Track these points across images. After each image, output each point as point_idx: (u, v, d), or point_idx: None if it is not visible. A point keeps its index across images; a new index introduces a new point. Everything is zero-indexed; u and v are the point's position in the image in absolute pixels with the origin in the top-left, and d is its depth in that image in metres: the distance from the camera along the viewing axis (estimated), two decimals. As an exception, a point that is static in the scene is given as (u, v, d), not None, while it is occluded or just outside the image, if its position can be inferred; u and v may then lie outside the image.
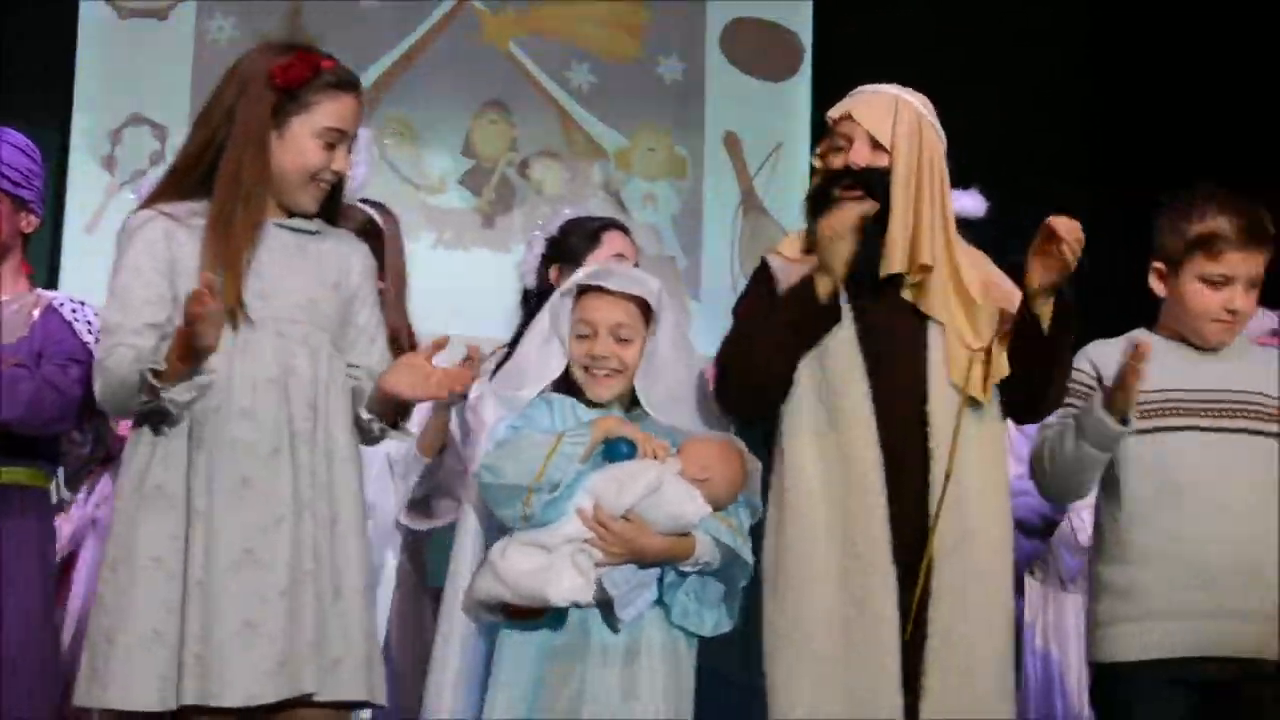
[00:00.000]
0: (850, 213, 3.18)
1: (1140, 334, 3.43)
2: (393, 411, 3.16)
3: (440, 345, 3.15)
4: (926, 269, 3.26)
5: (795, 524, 3.22)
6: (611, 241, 4.02)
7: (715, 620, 3.25)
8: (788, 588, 3.21)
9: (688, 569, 3.22)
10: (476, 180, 6.26)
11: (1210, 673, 3.23)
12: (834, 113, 3.33)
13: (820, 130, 3.44)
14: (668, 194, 6.48)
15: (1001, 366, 3.21)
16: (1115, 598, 3.31)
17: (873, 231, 3.24)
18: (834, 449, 3.22)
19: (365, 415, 3.13)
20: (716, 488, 3.23)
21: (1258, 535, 3.27)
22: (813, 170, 3.42)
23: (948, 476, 3.18)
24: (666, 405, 3.34)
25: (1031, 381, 3.24)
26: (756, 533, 3.29)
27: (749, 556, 3.25)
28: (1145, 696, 3.23)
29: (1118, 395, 3.22)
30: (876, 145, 3.26)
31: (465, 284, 5.88)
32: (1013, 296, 3.24)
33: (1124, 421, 3.23)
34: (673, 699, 3.19)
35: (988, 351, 3.22)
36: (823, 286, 3.19)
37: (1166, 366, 3.31)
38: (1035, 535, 3.99)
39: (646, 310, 3.34)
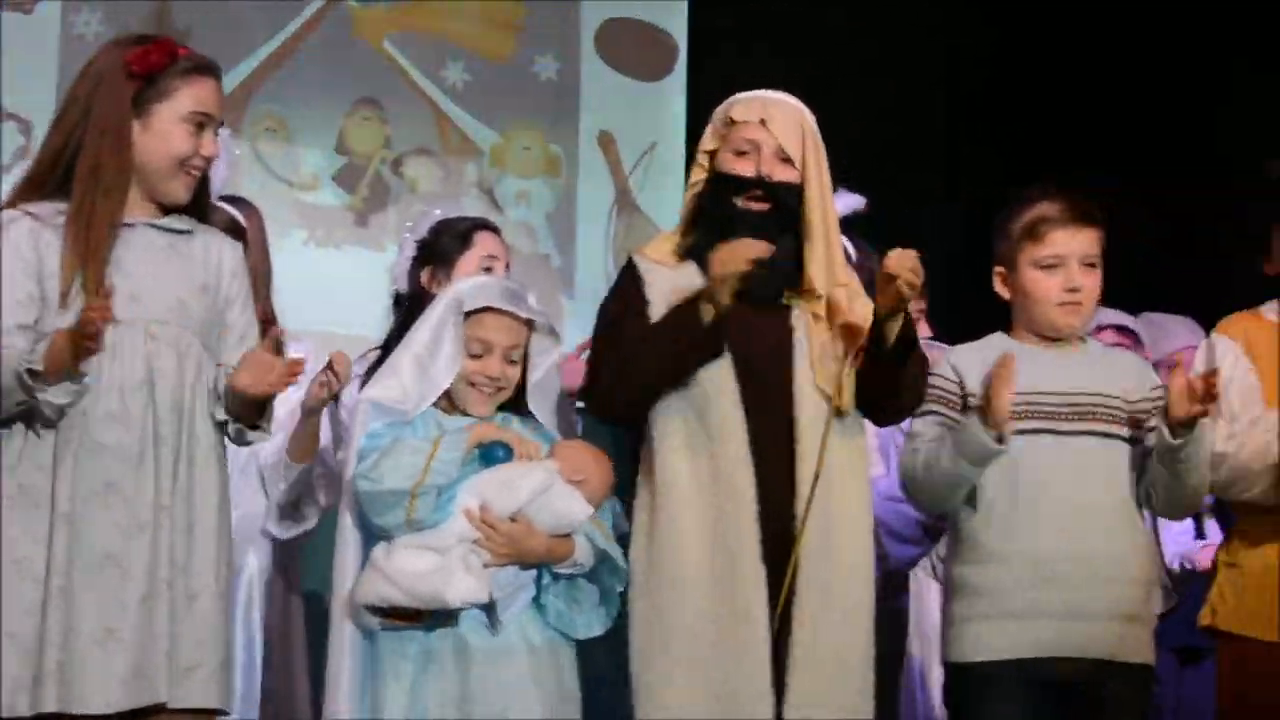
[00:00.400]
0: (748, 251, 3.17)
1: (997, 338, 3.49)
2: (251, 411, 3.13)
3: (277, 338, 3.13)
4: (843, 284, 3.30)
5: (665, 525, 3.24)
6: (483, 242, 4.00)
7: (586, 624, 3.26)
8: (658, 589, 3.23)
9: (563, 571, 3.22)
10: (350, 178, 6.21)
11: (1062, 672, 3.28)
12: (740, 114, 3.32)
13: (695, 130, 3.44)
14: (542, 192, 6.47)
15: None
16: (969, 598, 3.34)
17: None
18: (704, 451, 3.24)
19: (219, 416, 3.10)
20: (592, 490, 3.25)
21: (1109, 536, 3.32)
22: (689, 164, 3.41)
23: (816, 477, 3.21)
24: (549, 420, 3.36)
25: (880, 392, 3.29)
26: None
27: (622, 560, 3.26)
28: (997, 696, 3.27)
29: (990, 412, 3.25)
30: (785, 158, 3.29)
31: (338, 282, 5.83)
32: (869, 311, 3.28)
33: (1000, 439, 3.26)
34: (554, 700, 3.19)
35: (852, 366, 3.26)
36: (707, 316, 3.20)
37: (1022, 368, 3.35)
38: (914, 544, 4.02)
39: (530, 326, 3.35)
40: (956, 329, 3.59)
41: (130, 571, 2.93)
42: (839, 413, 3.25)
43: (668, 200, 6.36)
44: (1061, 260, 3.39)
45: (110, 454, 2.95)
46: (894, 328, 3.22)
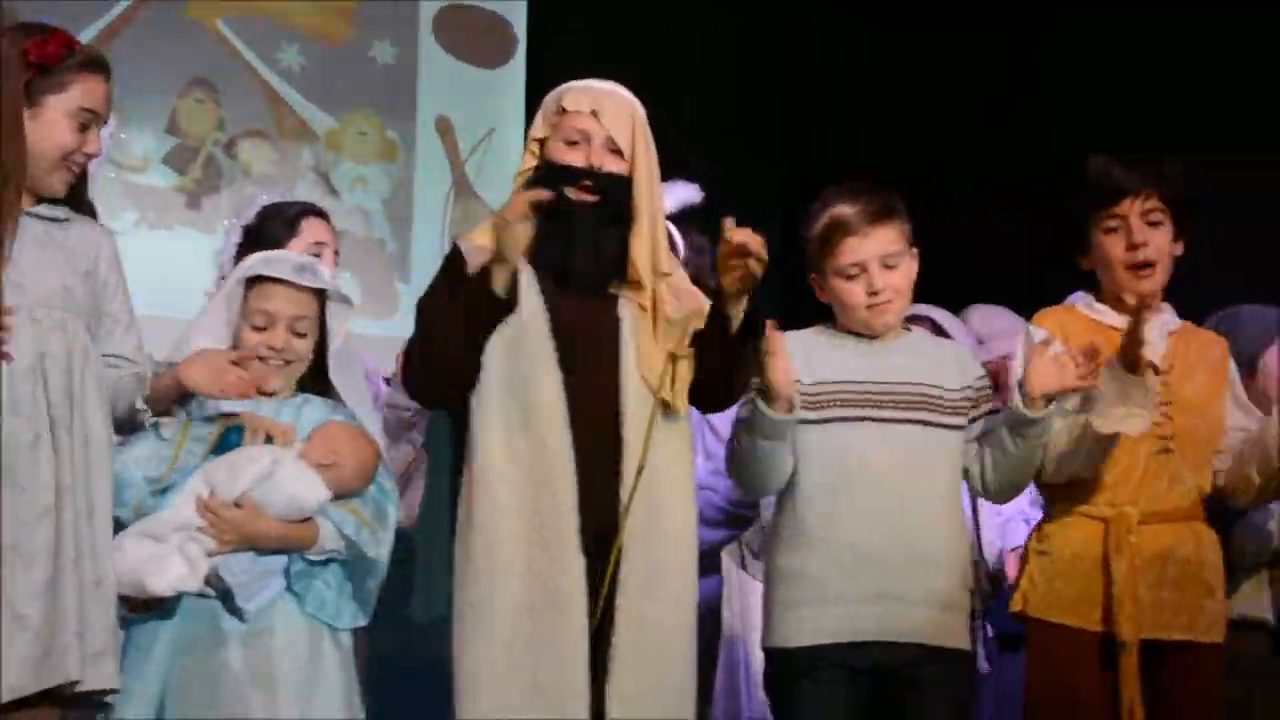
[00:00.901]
0: (524, 200, 3.18)
1: (820, 329, 3.53)
2: (171, 404, 3.12)
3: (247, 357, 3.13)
4: (666, 275, 3.33)
5: (484, 514, 3.23)
6: (310, 229, 3.98)
7: (351, 613, 3.25)
8: (476, 579, 3.22)
9: (314, 557, 3.21)
10: (181, 159, 6.13)
11: (880, 658, 3.32)
12: (571, 104, 3.33)
13: (535, 117, 3.45)
14: (379, 177, 6.44)
15: (687, 373, 3.29)
16: (789, 584, 3.38)
17: (586, 231, 3.28)
18: (524, 440, 3.24)
19: (139, 405, 3.08)
20: (345, 474, 3.23)
21: (928, 523, 3.38)
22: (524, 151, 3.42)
23: (641, 468, 3.23)
24: (349, 393, 3.35)
25: (716, 378, 3.32)
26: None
27: (374, 551, 3.25)
28: (816, 681, 3.31)
29: (768, 385, 3.29)
30: (614, 149, 3.31)
31: (170, 265, 5.75)
32: (703, 301, 3.31)
33: (790, 408, 3.30)
34: (313, 688, 3.18)
35: (676, 358, 3.28)
36: (498, 276, 3.20)
37: (842, 358, 3.41)
38: (719, 527, 4.07)
39: (321, 299, 3.34)
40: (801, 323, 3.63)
41: (34, 558, 2.91)
42: (665, 407, 3.28)
43: (505, 187, 6.31)
44: (860, 266, 3.42)
45: (5, 440, 2.92)
46: (738, 310, 3.25)
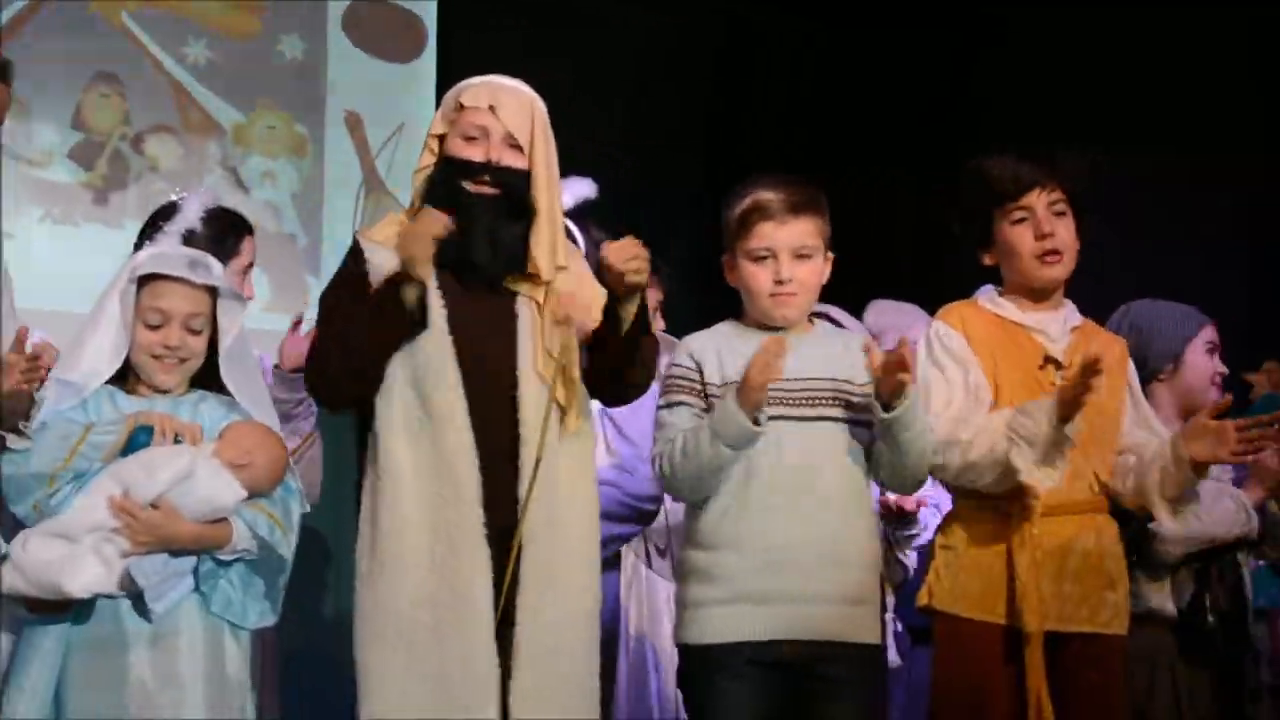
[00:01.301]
0: (430, 228, 3.19)
1: (726, 326, 3.55)
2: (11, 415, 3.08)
3: (20, 335, 3.07)
4: (563, 268, 3.34)
5: (388, 511, 3.24)
6: (248, 249, 3.98)
7: (259, 612, 3.24)
8: (380, 575, 3.23)
9: (225, 557, 3.20)
10: (87, 154, 6.06)
11: (792, 654, 3.35)
12: (469, 100, 3.34)
13: (438, 114, 3.45)
14: (288, 172, 6.40)
15: (577, 375, 3.32)
16: (701, 581, 3.40)
17: (484, 225, 3.29)
18: (426, 436, 3.25)
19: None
20: (257, 473, 3.22)
21: (841, 520, 3.40)
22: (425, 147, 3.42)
23: (538, 462, 3.24)
24: (242, 390, 3.33)
25: (607, 374, 3.36)
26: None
27: (286, 551, 3.25)
28: (728, 677, 3.33)
29: (746, 391, 3.30)
30: (513, 144, 3.31)
31: (76, 261, 5.69)
32: (599, 299, 3.33)
33: (756, 420, 3.31)
34: (217, 688, 3.17)
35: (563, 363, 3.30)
36: (410, 295, 3.21)
37: (750, 355, 3.42)
38: (624, 522, 4.09)
39: (214, 296, 3.32)
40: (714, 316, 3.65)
41: None
42: (563, 410, 3.29)
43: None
44: (771, 252, 3.44)
45: None
46: (630, 309, 3.27)
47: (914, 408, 3.37)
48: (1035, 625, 3.42)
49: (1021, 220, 3.59)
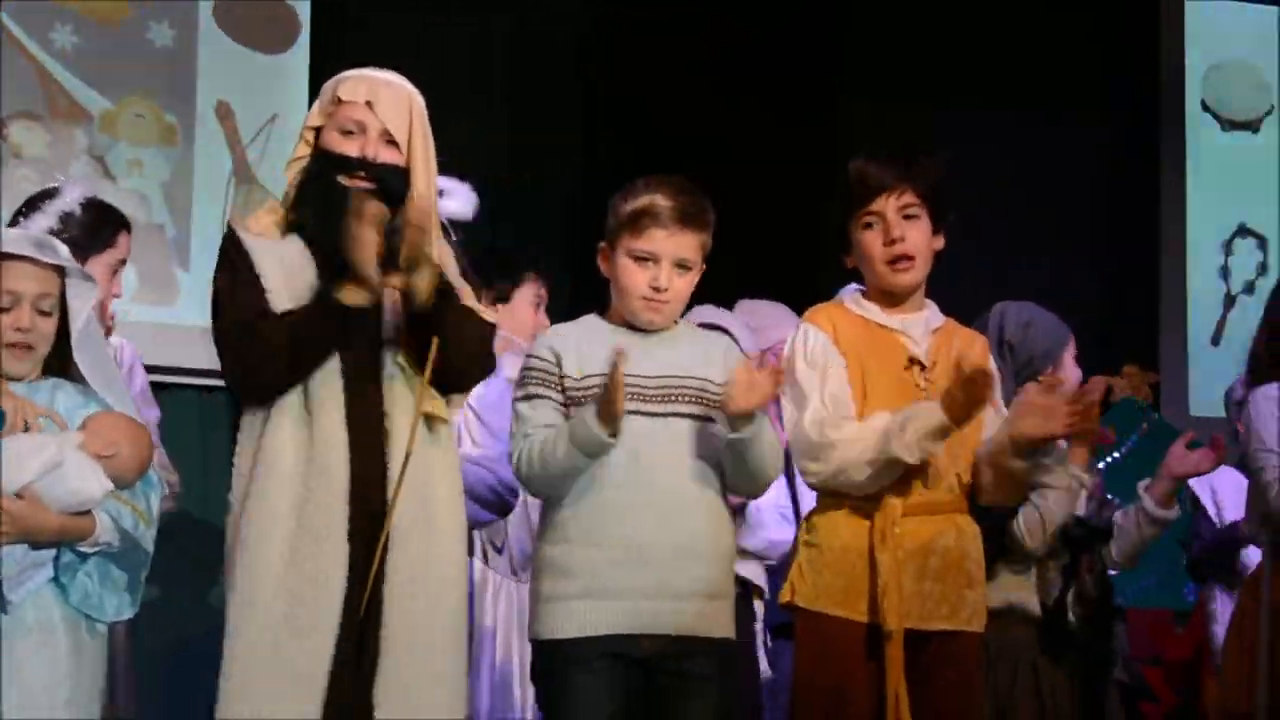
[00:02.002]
0: (370, 234, 3.18)
1: (591, 319, 3.57)
2: None
3: None
4: (436, 266, 3.33)
5: (258, 503, 3.23)
6: (123, 244, 3.94)
7: (117, 605, 3.21)
8: (243, 567, 3.22)
9: (86, 549, 3.16)
10: (-51, 141, 5.95)
11: (646, 648, 3.36)
12: (347, 94, 3.31)
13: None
14: (157, 161, 6.32)
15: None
16: (556, 576, 3.41)
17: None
18: (303, 428, 3.24)
19: None
20: (123, 464, 3.19)
21: (696, 516, 3.42)
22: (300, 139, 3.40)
23: (408, 456, 3.24)
24: (95, 374, 3.29)
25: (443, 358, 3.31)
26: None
27: (148, 544, 3.22)
28: (584, 672, 3.34)
29: (605, 408, 3.31)
30: (390, 140, 3.30)
31: (-65, 249, 5.57)
32: (469, 293, 3.36)
33: (614, 433, 3.33)
34: (71, 680, 3.13)
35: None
36: (350, 294, 3.20)
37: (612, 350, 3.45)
38: (487, 508, 4.08)
39: (63, 277, 3.27)
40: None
41: None
42: (431, 418, 3.29)
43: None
44: (654, 257, 3.46)
45: None
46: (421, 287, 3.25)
47: (760, 433, 3.40)
48: (895, 623, 3.46)
49: (871, 225, 3.62)
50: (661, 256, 3.45)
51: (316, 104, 3.39)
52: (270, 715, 3.16)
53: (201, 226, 6.35)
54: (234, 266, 3.30)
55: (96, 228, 3.88)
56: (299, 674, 3.17)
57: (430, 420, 3.29)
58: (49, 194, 3.77)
